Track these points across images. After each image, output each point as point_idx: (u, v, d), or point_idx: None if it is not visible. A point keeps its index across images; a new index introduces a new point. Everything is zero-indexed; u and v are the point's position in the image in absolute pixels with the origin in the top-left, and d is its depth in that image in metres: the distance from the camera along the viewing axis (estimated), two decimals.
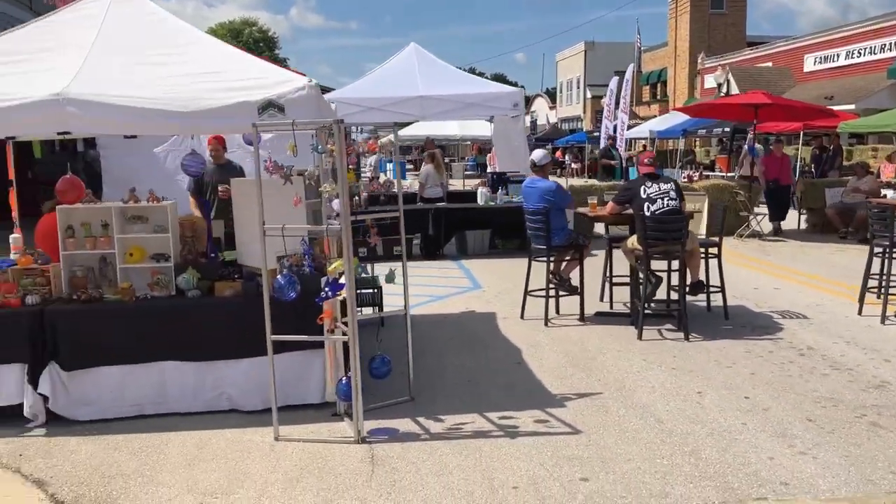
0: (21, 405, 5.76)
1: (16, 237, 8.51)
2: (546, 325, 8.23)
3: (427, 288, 10.41)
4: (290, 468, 4.86)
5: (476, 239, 13.81)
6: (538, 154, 8.50)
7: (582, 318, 8.45)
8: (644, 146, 37.00)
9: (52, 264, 6.13)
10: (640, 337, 7.64)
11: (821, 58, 32.13)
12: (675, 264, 8.04)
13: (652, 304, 8.18)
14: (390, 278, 5.89)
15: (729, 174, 22.54)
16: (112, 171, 13.10)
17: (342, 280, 5.26)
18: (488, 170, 18.28)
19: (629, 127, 29.36)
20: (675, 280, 8.16)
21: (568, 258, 8.50)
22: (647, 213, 7.62)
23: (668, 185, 7.76)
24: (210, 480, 4.72)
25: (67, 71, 5.73)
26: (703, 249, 8.34)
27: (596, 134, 37.58)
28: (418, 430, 5.47)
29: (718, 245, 8.45)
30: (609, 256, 8.93)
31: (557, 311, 8.64)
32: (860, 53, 29.54)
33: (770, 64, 35.78)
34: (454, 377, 6.58)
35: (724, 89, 35.49)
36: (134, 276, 6.12)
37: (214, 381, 5.88)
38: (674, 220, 7.60)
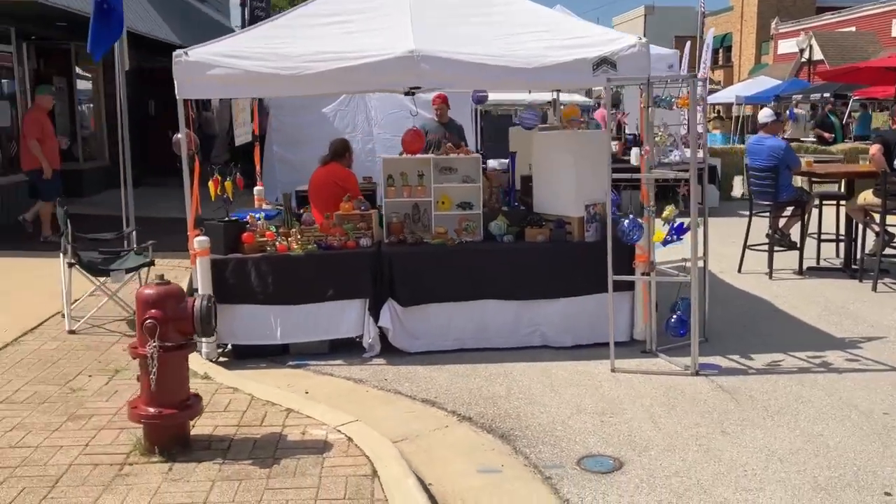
0: (350, 338, 6.30)
1: (259, 189, 9.13)
2: (770, 277, 8.63)
3: None
4: (654, 395, 5.34)
5: (624, 199, 14.16)
6: (763, 113, 8.84)
7: (800, 271, 8.83)
8: (718, 111, 36.84)
9: (372, 210, 6.63)
10: (874, 289, 8.01)
11: None
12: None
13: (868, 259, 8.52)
14: None
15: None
16: (282, 129, 13.66)
17: (686, 225, 5.69)
18: None
19: (709, 92, 29.41)
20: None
21: (788, 214, 8.86)
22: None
23: None
24: (587, 403, 5.21)
25: (401, 30, 6.17)
26: None
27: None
28: (738, 365, 5.92)
29: None
30: (819, 214, 9.27)
31: (770, 266, 8.99)
32: None
33: (853, 28, 35.34)
34: (726, 323, 6.99)
35: (807, 55, 35.15)
36: (443, 222, 6.61)
37: (530, 319, 6.37)
38: None
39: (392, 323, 6.21)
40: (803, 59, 35.04)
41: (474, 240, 6.51)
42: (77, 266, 6.41)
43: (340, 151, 7.43)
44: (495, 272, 6.31)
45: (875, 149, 8.15)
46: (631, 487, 4.06)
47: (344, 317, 6.24)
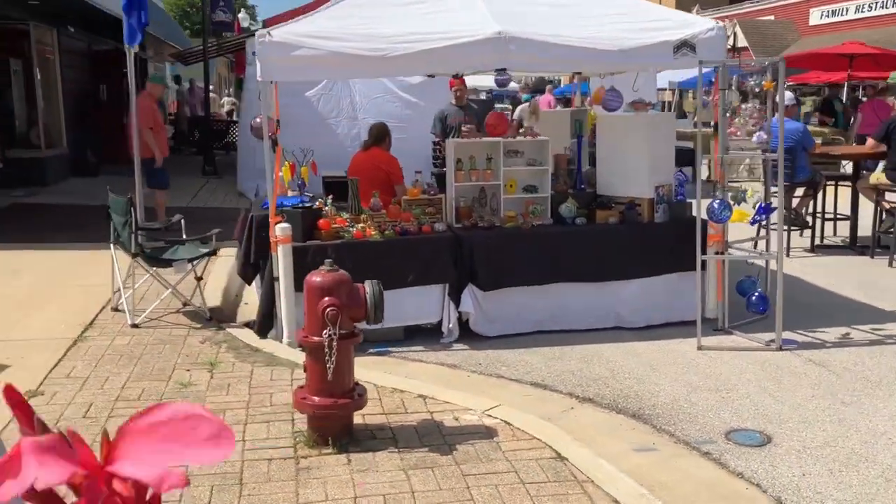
0: (421, 324, 6.26)
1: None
2: (788, 255, 8.94)
3: None
4: (754, 370, 5.49)
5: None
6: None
7: (812, 249, 9.21)
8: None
9: (440, 195, 6.56)
10: (890, 264, 8.43)
11: (828, 11, 33.24)
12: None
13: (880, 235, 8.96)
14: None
15: None
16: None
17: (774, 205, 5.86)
18: None
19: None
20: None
21: (800, 195, 9.21)
22: None
23: None
24: (696, 381, 5.32)
25: (477, 12, 6.10)
26: None
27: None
28: (812, 339, 6.14)
29: None
30: (823, 194, 9.67)
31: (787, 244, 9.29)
32: (870, 7, 30.79)
33: (772, 17, 36.79)
34: (773, 298, 7.22)
35: (731, 42, 36.36)
36: (510, 205, 6.60)
37: (605, 301, 6.44)
38: None
39: (473, 307, 6.17)
40: (728, 46, 36.25)
41: (545, 223, 6.52)
42: (140, 257, 6.11)
43: (381, 136, 7.35)
44: (572, 255, 6.34)
45: (870, 143, 8.72)
46: (792, 458, 4.18)
47: (424, 302, 6.17)
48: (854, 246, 9.32)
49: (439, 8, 6.19)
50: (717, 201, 5.87)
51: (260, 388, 4.87)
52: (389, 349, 6.04)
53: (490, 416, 4.46)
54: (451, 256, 6.15)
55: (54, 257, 8.39)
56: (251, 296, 7.25)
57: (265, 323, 6.04)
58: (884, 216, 9.07)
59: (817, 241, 9.57)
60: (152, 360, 5.41)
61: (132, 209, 5.98)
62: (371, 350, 6.02)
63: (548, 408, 4.88)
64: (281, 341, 5.90)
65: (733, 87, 5.98)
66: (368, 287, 3.98)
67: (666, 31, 6.05)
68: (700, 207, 5.98)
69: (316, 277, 3.98)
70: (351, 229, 6.20)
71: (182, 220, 6.82)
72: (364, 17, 5.99)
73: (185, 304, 6.63)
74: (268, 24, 15.88)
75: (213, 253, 6.43)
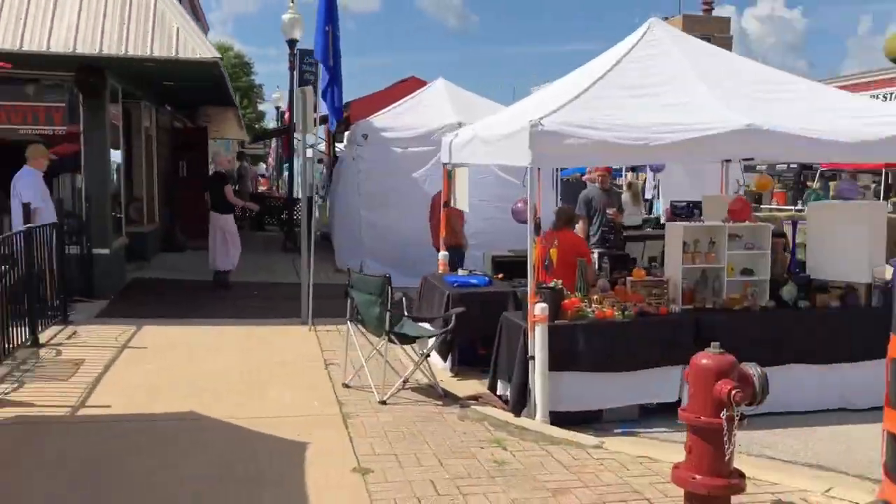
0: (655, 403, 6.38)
1: (444, 254, 9.12)
2: None
3: None
4: None
5: None
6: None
7: None
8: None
9: (666, 276, 6.75)
10: None
11: None
12: None
13: None
14: None
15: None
16: (370, 193, 13.56)
17: None
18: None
19: None
20: None
21: None
22: None
23: None
24: None
25: (709, 103, 6.40)
26: None
27: None
28: None
29: None
30: None
31: None
32: None
33: None
34: None
35: None
36: (732, 288, 6.79)
37: (831, 382, 6.57)
38: None
39: None
40: None
41: (768, 305, 6.70)
42: (392, 335, 6.24)
43: (571, 219, 7.65)
44: (800, 336, 6.51)
45: None
46: None
47: (664, 381, 6.28)
48: None
49: (676, 100, 6.47)
50: None
51: (575, 468, 4.93)
52: (634, 430, 6.12)
53: (832, 497, 4.54)
54: (689, 337, 6.29)
55: (224, 333, 8.50)
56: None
57: (519, 400, 6.11)
58: None
59: None
60: (435, 438, 5.44)
61: (388, 288, 6.11)
62: (616, 430, 6.10)
63: (853, 493, 4.96)
64: (534, 418, 5.97)
65: None
66: (753, 369, 4.12)
67: (894, 126, 6.37)
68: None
69: (705, 360, 4.11)
70: (588, 309, 6.34)
71: (403, 298, 6.94)
72: (610, 107, 6.26)
73: (405, 381, 6.69)
74: (352, 107, 16.31)
75: (453, 331, 6.54)
